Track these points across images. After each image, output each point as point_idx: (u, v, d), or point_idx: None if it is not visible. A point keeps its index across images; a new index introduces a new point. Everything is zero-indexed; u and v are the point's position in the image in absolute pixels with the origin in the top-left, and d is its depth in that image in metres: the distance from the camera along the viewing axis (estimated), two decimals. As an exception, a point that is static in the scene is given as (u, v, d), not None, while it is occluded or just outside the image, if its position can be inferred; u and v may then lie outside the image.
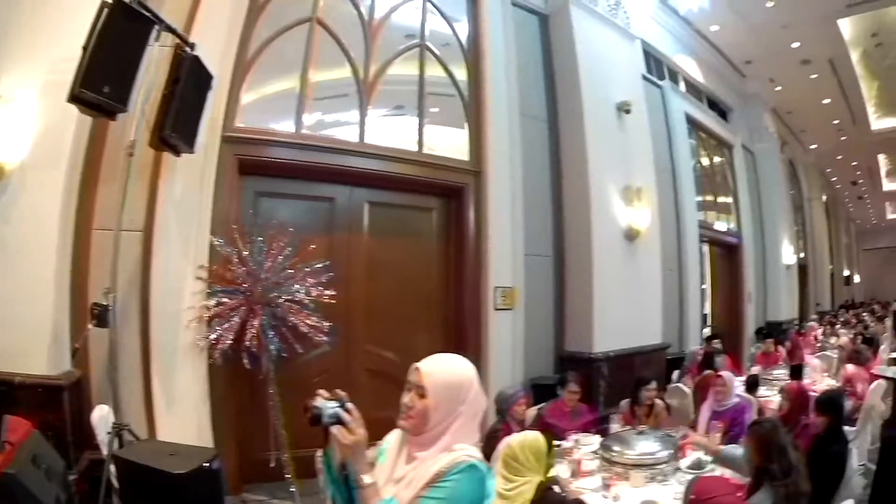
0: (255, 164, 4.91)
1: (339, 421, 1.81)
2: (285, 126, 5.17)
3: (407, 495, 1.84)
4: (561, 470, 4.09)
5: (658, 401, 5.72)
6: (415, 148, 5.98)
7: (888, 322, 17.75)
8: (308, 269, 4.63)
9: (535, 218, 6.95)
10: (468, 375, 1.98)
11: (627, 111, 7.64)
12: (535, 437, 3.21)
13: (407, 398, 1.92)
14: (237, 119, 4.83)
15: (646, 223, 7.65)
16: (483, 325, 6.17)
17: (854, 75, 14.73)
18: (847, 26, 12.53)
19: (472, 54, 6.53)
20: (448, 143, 6.36)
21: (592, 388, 6.68)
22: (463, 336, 6.17)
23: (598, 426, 5.47)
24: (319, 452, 1.98)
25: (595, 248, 6.99)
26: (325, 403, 1.82)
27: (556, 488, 3.49)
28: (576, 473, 4.14)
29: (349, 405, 1.83)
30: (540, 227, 7.07)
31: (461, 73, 6.48)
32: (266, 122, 5.12)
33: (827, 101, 15.93)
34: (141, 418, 4.14)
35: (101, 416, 3.74)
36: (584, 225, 7.04)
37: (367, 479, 1.84)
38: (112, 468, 3.35)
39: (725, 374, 5.88)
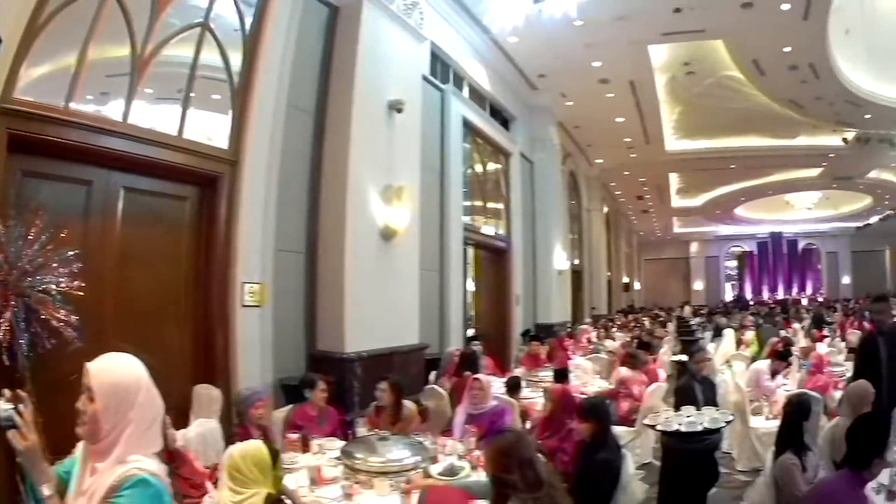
0: (24, 141, 4.71)
1: (14, 425, 1.82)
2: (59, 101, 5.11)
3: None
4: (300, 477, 4.31)
5: (408, 403, 6.10)
6: (175, 132, 6.09)
7: (670, 326, 20.25)
8: (60, 258, 4.56)
9: (290, 212, 7.24)
10: (135, 376, 1.97)
11: (399, 110, 8.14)
12: (257, 446, 3.25)
13: (80, 402, 1.92)
14: (16, 90, 4.71)
15: (404, 223, 8.11)
16: (230, 322, 6.36)
17: (655, 98, 16.34)
18: (659, 52, 13.90)
19: (251, 39, 6.75)
20: (211, 130, 6.55)
21: (346, 389, 7.06)
22: (211, 333, 6.35)
23: (349, 430, 5.70)
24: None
25: (348, 246, 7.34)
26: (0, 406, 1.84)
27: (288, 501, 3.55)
28: (316, 481, 4.26)
29: (22, 408, 1.87)
30: (294, 222, 7.36)
31: (238, 59, 6.70)
32: (45, 95, 5.03)
33: (620, 119, 17.58)
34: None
35: None
36: (338, 222, 7.38)
37: (45, 489, 1.88)
38: None
39: (482, 376, 6.25)
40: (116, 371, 1.96)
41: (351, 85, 7.55)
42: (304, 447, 5.13)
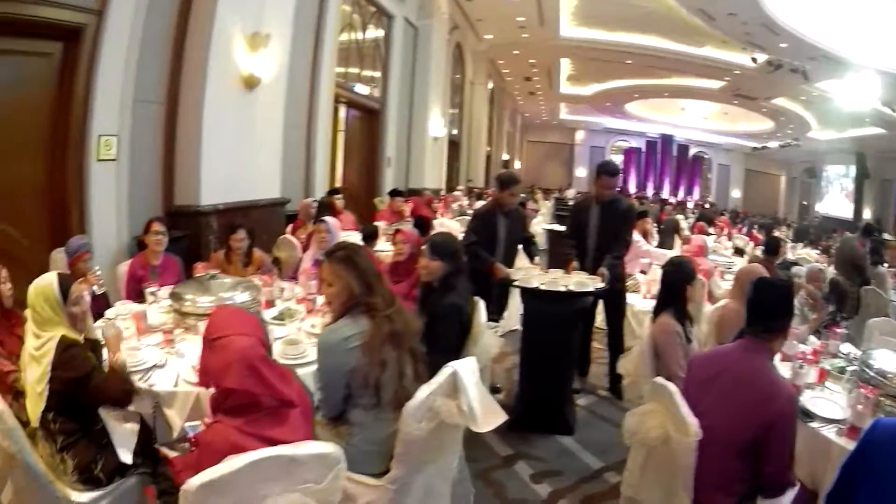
0: None
1: None
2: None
3: None
4: (123, 327, 4.20)
5: (259, 251, 6.47)
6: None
7: (546, 203, 22.34)
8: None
9: (152, 60, 7.17)
10: None
11: (279, -49, 8.32)
12: (48, 281, 3.14)
13: None
14: None
15: (270, 73, 8.30)
16: (85, 178, 6.49)
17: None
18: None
19: None
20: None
21: (201, 243, 7.47)
22: (64, 190, 6.49)
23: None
24: None
25: (208, 96, 7.46)
26: None
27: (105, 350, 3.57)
28: (139, 330, 4.30)
29: None
30: (156, 71, 7.30)
31: None
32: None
33: (517, -3, 17.48)
34: None
35: None
36: (200, 68, 7.42)
37: None
38: None
39: (329, 218, 6.45)
40: None
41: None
42: (142, 297, 5.33)
